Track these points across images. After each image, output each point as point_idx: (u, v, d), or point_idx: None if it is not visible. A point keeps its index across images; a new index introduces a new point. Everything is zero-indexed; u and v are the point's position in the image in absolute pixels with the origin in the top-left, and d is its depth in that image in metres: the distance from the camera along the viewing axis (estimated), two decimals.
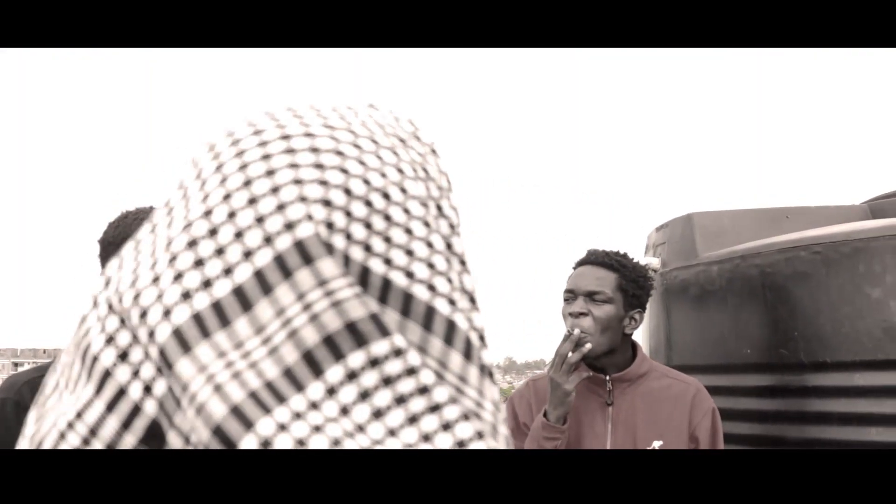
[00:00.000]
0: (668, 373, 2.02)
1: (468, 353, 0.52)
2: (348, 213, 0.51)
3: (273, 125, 0.54)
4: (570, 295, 1.96)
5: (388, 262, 0.51)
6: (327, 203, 0.50)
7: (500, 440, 0.50)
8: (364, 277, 0.51)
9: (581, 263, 2.00)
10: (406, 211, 0.53)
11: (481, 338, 0.53)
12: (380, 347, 0.47)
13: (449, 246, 0.55)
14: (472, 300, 0.54)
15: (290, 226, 0.49)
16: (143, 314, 0.48)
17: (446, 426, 0.47)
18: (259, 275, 0.48)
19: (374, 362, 0.47)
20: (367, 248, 0.51)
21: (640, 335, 2.69)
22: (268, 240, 0.49)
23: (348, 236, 0.50)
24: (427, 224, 0.54)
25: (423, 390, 0.47)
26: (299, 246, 0.49)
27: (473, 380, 0.51)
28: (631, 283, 1.95)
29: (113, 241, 1.53)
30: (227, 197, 0.51)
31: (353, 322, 0.47)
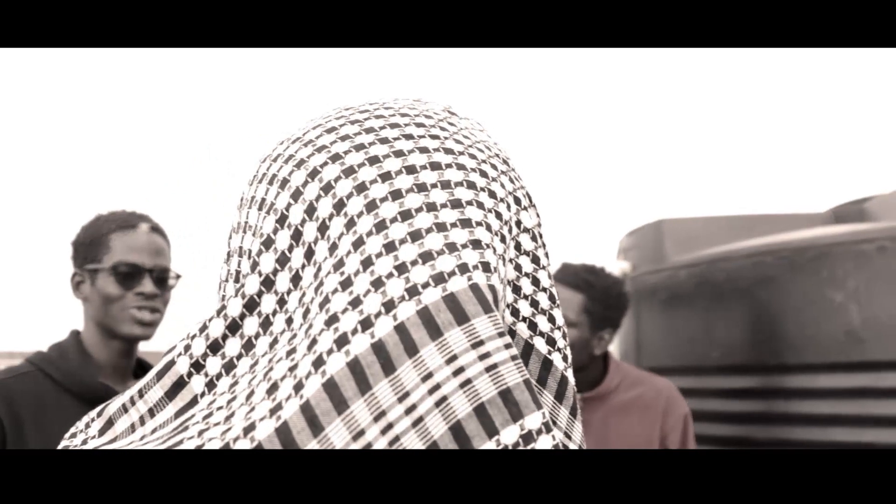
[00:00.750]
0: (640, 379, 1.99)
1: (573, 411, 0.49)
2: (504, 260, 0.47)
3: (412, 145, 0.48)
4: None
5: (515, 313, 0.48)
6: (494, 249, 0.45)
7: None
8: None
9: (556, 278, 1.92)
10: (535, 257, 0.50)
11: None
12: (533, 421, 0.41)
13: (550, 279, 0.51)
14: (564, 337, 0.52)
15: (439, 278, 0.43)
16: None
17: None
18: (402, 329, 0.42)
19: (528, 439, 0.41)
20: (504, 299, 0.47)
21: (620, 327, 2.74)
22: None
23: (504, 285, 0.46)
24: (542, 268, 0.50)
25: None
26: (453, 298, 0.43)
27: (577, 436, 0.49)
28: (599, 303, 1.86)
29: (84, 242, 1.52)
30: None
31: (509, 389, 0.41)
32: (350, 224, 0.45)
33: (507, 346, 0.42)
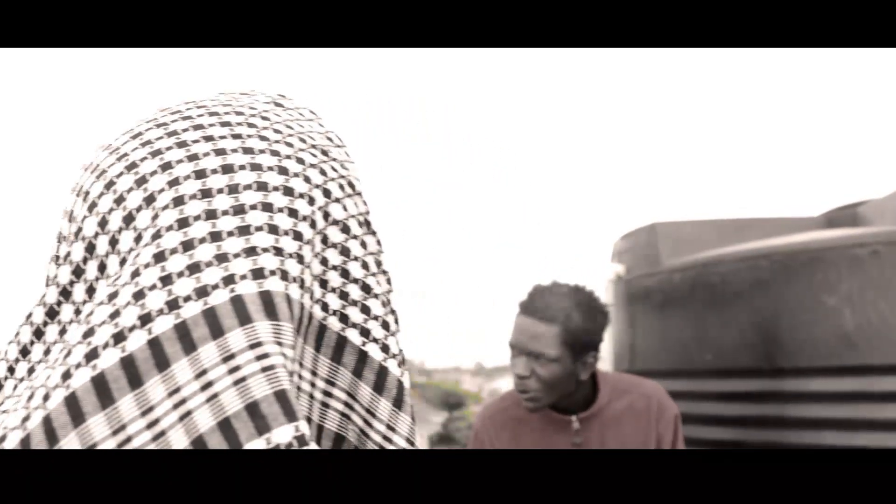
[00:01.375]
0: (628, 388, 1.95)
1: (398, 402, 0.49)
2: (300, 258, 0.46)
3: (209, 147, 0.47)
4: (513, 350, 1.78)
5: (325, 307, 0.48)
6: (279, 251, 0.45)
7: None
8: (307, 325, 0.47)
9: (523, 311, 1.80)
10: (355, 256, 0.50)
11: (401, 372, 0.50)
12: (282, 435, 0.41)
13: (378, 263, 0.51)
14: (395, 324, 0.51)
15: (202, 292, 0.42)
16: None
17: None
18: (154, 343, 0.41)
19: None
20: (312, 296, 0.47)
21: (604, 341, 2.74)
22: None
23: (301, 284, 0.46)
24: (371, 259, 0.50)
25: None
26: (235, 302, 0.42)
27: (404, 428, 0.49)
28: (578, 333, 1.76)
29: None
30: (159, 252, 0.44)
31: (256, 402, 0.41)
32: (138, 237, 0.45)
33: (260, 358, 0.41)
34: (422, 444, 20.37)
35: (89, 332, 0.41)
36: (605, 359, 2.80)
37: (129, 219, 0.45)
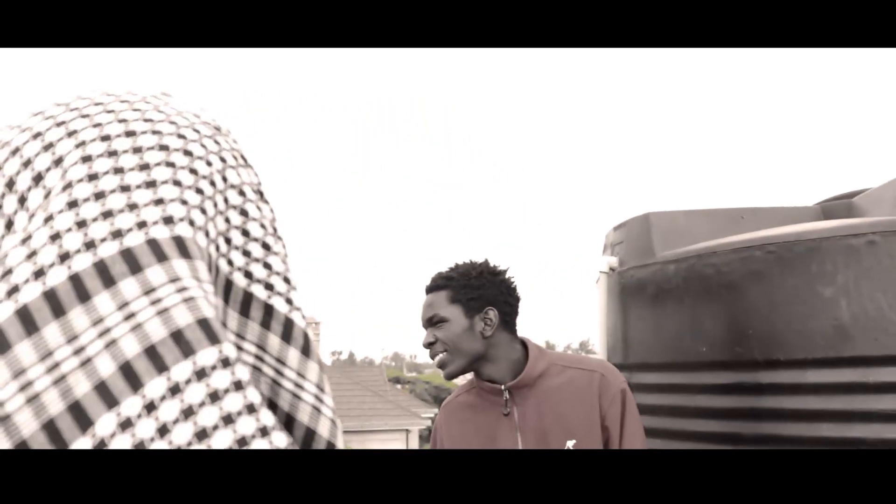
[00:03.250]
0: (570, 363, 1.99)
1: (306, 350, 0.51)
2: (203, 211, 0.49)
3: (112, 118, 0.51)
4: (423, 327, 2.00)
5: (230, 263, 0.51)
6: (184, 202, 0.48)
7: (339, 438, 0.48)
8: (215, 277, 0.49)
9: (425, 290, 2.03)
10: (244, 209, 0.53)
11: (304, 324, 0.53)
12: (207, 357, 0.43)
13: (275, 231, 0.54)
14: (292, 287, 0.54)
15: (117, 234, 0.46)
16: None
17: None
18: (76, 279, 0.44)
19: (201, 374, 0.43)
20: (218, 249, 0.50)
21: (599, 333, 2.72)
22: (90, 245, 0.45)
23: (206, 234, 0.49)
24: (259, 213, 0.53)
25: (251, 409, 0.44)
26: (144, 247, 0.45)
27: (313, 375, 0.51)
28: (462, 290, 1.95)
29: None
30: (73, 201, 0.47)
31: (180, 330, 0.43)
32: (47, 194, 0.47)
33: (180, 290, 0.44)
34: (413, 439, 20.36)
35: (7, 272, 0.44)
36: (600, 353, 2.78)
37: (37, 178, 0.48)
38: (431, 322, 1.95)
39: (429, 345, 1.95)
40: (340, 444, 0.49)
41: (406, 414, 19.58)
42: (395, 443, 19.25)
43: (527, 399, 1.94)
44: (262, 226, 0.53)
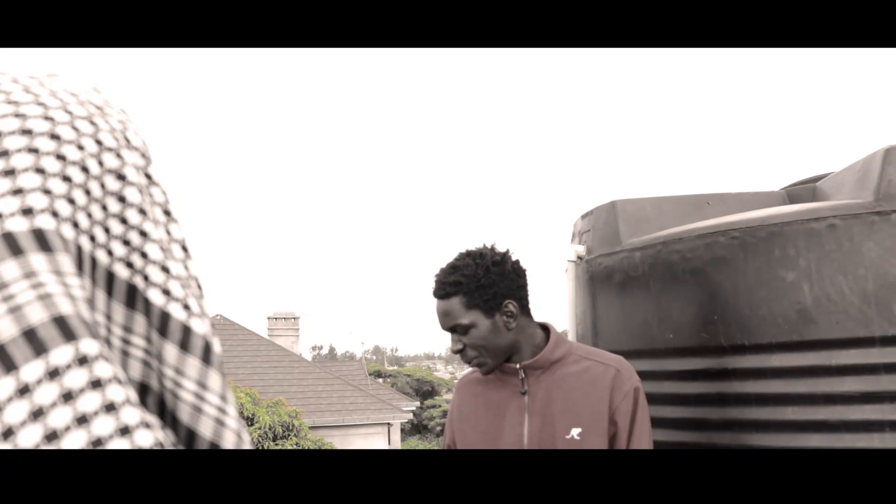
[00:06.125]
0: (589, 354, 2.00)
1: (207, 358, 0.49)
2: (71, 200, 0.46)
3: None
4: (449, 332, 1.98)
5: (110, 253, 0.48)
6: (47, 191, 0.45)
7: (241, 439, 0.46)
8: (92, 270, 0.47)
9: (434, 297, 1.99)
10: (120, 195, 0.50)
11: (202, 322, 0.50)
12: (61, 355, 0.41)
13: (167, 213, 0.52)
14: (196, 286, 0.51)
15: None
16: None
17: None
18: None
19: (54, 374, 0.41)
20: (93, 239, 0.47)
21: (569, 322, 2.72)
22: None
23: (75, 225, 0.46)
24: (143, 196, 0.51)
25: (110, 408, 0.42)
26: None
27: (215, 385, 0.48)
28: (475, 293, 1.92)
29: None
30: None
31: (32, 328, 0.41)
32: None
33: (35, 287, 0.42)
34: (395, 432, 20.36)
35: None
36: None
37: None
38: (454, 330, 1.95)
39: (458, 351, 1.95)
40: None
41: (387, 408, 19.58)
42: (377, 437, 19.24)
43: (540, 382, 1.96)
44: (142, 211, 0.50)
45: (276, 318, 28.54)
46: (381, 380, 32.11)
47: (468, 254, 1.99)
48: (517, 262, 2.02)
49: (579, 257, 2.61)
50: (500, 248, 2.03)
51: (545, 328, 2.06)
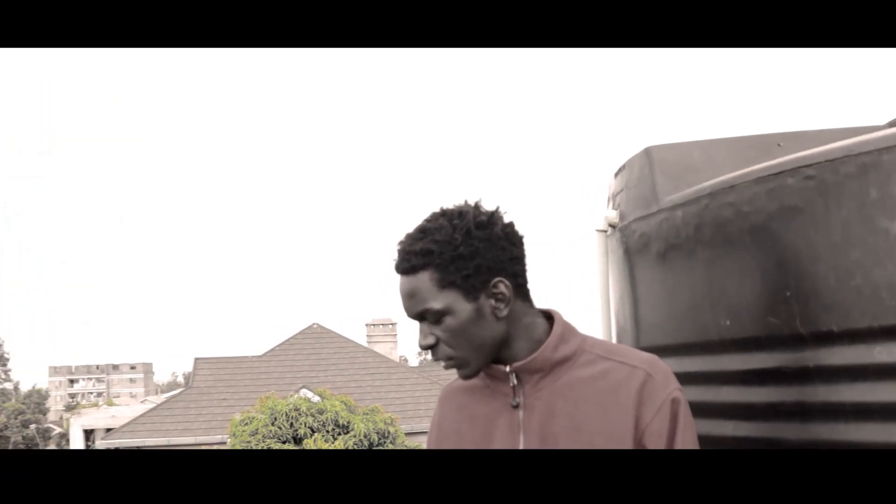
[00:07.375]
0: (609, 353, 1.44)
1: None
2: None
3: None
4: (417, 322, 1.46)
5: None
6: None
7: None
8: None
9: (397, 272, 1.44)
10: None
11: None
12: None
13: None
14: None
15: None
16: None
17: None
18: None
19: None
20: None
21: (601, 313, 2.11)
22: None
23: None
24: None
25: None
26: None
27: None
28: (451, 265, 1.37)
29: None
30: None
31: None
32: None
33: None
34: None
35: None
36: (609, 337, 2.17)
37: None
38: (423, 318, 1.42)
39: (428, 347, 1.42)
40: None
41: None
42: None
43: (538, 390, 1.44)
44: None
45: (374, 325, 28.85)
46: None
47: (443, 213, 1.42)
48: (510, 224, 1.44)
49: (611, 225, 1.99)
50: (488, 207, 1.44)
51: (549, 316, 1.48)
